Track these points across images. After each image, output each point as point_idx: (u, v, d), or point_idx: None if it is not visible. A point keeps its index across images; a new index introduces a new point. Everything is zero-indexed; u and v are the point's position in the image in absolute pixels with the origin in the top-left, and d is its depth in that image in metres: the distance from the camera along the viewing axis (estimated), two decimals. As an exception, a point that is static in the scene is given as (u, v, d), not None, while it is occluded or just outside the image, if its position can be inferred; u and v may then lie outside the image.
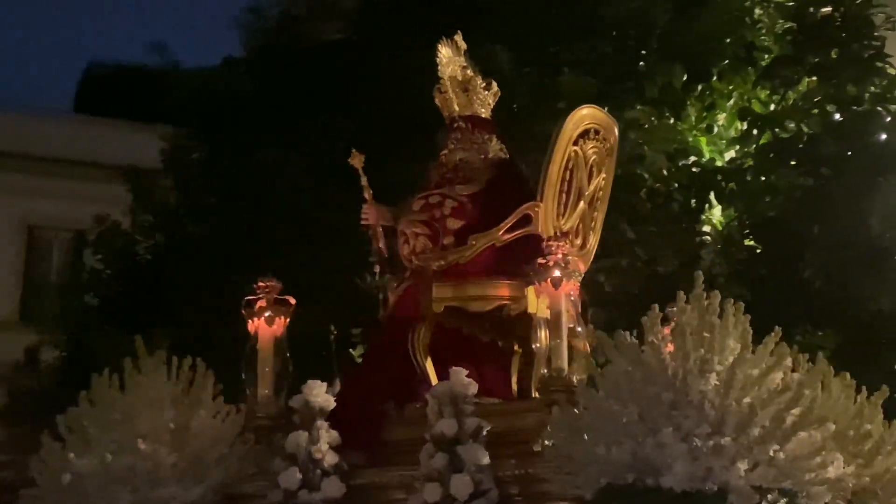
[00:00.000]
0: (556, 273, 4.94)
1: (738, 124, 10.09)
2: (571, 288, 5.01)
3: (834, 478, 4.19)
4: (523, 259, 5.24)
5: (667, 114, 10.00)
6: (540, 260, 5.06)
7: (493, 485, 4.66)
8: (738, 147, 10.04)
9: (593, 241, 6.01)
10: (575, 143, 5.79)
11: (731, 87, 10.07)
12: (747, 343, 4.26)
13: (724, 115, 10.16)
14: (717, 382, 4.07)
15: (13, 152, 18.71)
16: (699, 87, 10.02)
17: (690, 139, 10.09)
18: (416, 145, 7.54)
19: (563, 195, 5.73)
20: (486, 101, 6.34)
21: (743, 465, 3.98)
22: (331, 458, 4.95)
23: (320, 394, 5.03)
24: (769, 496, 4.00)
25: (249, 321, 5.43)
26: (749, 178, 9.66)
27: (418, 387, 5.30)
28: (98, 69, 22.20)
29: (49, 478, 5.18)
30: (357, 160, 6.25)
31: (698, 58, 9.92)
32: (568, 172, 5.75)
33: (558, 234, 5.55)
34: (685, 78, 9.95)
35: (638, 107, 9.85)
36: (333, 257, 9.43)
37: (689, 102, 10.03)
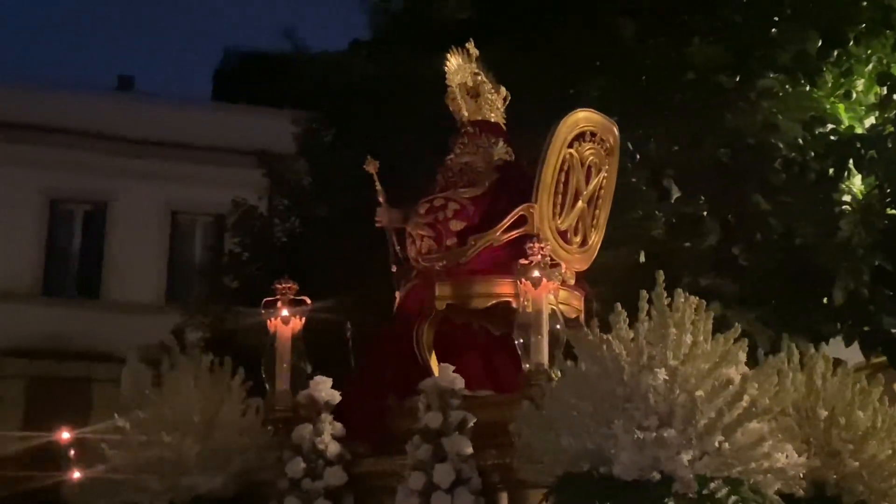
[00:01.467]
0: (535, 273, 5.14)
1: (878, 89, 9.75)
2: (552, 287, 5.20)
3: (782, 467, 4.32)
4: (521, 258, 5.43)
5: (801, 81, 9.73)
6: (521, 260, 5.27)
7: (475, 473, 4.94)
8: (877, 113, 9.71)
9: (596, 239, 6.19)
10: (570, 146, 5.97)
11: (868, 52, 9.74)
12: (698, 339, 4.42)
13: (863, 80, 9.83)
14: (666, 377, 4.26)
15: (156, 140, 19.36)
16: (835, 53, 9.71)
17: (827, 106, 9.81)
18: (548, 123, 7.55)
19: (560, 196, 5.94)
20: (495, 105, 6.55)
21: (688, 456, 4.16)
22: (334, 449, 5.25)
23: (325, 388, 5.32)
24: (712, 485, 4.16)
25: (268, 320, 5.76)
26: (890, 144, 9.34)
27: (421, 381, 5.48)
28: (233, 57, 22.76)
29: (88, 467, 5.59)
30: (371, 166, 6.56)
31: (833, 22, 9.61)
32: (563, 174, 5.95)
33: (555, 233, 5.80)
34: (820, 43, 9.66)
35: (771, 75, 9.62)
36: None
37: (824, 69, 9.74)
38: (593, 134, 6.10)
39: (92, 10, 46.63)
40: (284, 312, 5.72)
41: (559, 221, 5.97)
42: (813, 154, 9.60)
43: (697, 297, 5.21)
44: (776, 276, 9.29)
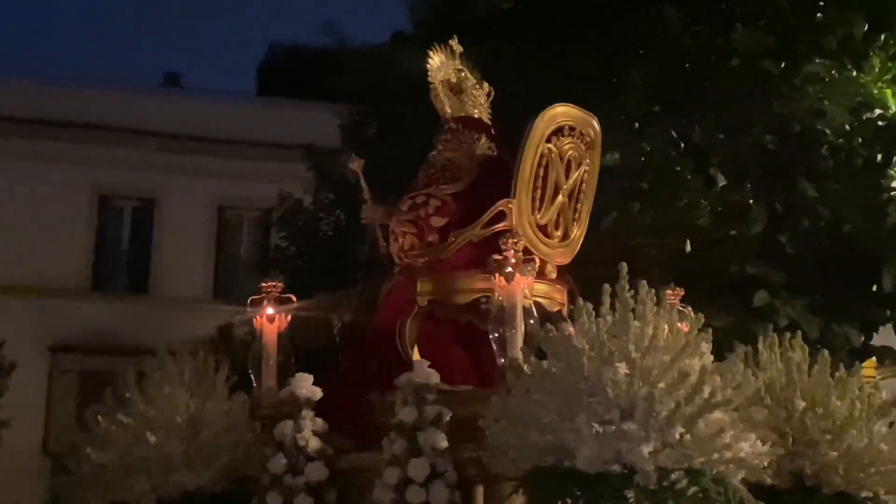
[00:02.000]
0: (508, 269, 5.17)
1: (926, 74, 9.63)
2: (526, 282, 5.20)
3: (744, 456, 4.33)
4: (497, 253, 5.44)
5: (848, 66, 9.62)
6: (495, 256, 5.28)
7: (450, 467, 4.97)
8: (926, 98, 9.59)
9: (578, 232, 6.18)
10: (548, 141, 5.95)
11: (916, 35, 9.62)
12: (658, 332, 4.41)
13: (911, 64, 9.71)
14: (626, 371, 4.28)
15: (202, 136, 19.53)
16: (882, 37, 9.59)
17: (875, 91, 9.69)
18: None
19: (539, 191, 5.94)
20: (478, 101, 6.57)
21: (648, 448, 4.17)
22: (315, 445, 5.28)
23: (306, 385, 5.34)
24: (673, 476, 4.19)
25: (254, 318, 5.80)
26: (939, 129, 9.23)
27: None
28: (277, 52, 22.88)
29: (79, 465, 5.69)
30: (357, 164, 6.69)
31: (880, 6, 9.50)
32: (542, 169, 5.94)
33: (534, 228, 5.82)
34: (866, 28, 9.54)
35: (817, 60, 9.52)
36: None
37: (871, 53, 9.62)
38: (572, 128, 6.06)
39: (138, 8, 47.13)
40: (269, 311, 5.76)
41: (539, 216, 5.97)
42: (860, 140, 9.51)
43: (673, 288, 5.62)
44: (824, 264, 9.22)
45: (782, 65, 9.57)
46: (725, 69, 9.50)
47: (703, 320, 4.58)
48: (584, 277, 9.43)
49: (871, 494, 4.94)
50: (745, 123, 9.49)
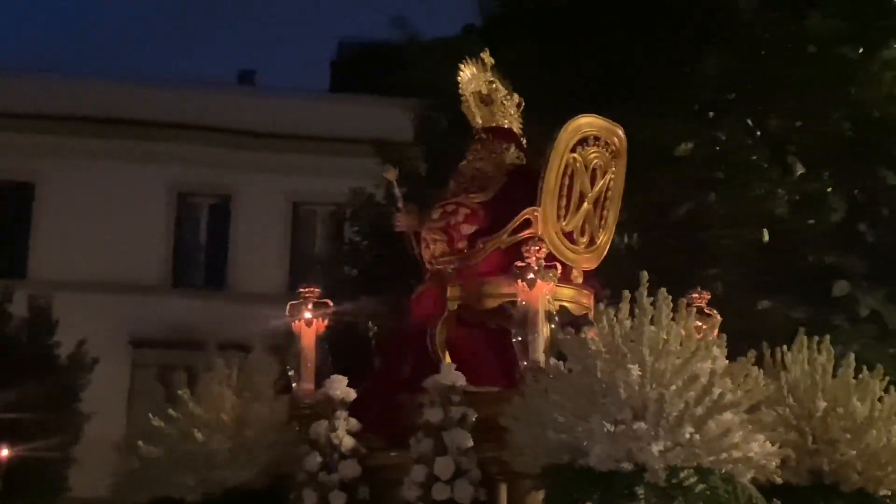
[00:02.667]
0: (530, 275, 5.41)
1: None
2: (547, 288, 5.43)
3: (753, 456, 4.51)
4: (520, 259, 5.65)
5: (927, 51, 9.41)
6: (518, 263, 5.52)
7: (474, 466, 5.19)
8: None
9: (604, 238, 6.36)
10: (573, 151, 6.15)
11: None
12: (671, 336, 4.60)
13: None
14: (639, 373, 4.48)
15: (276, 133, 19.74)
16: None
17: (955, 76, 9.46)
18: (665, 104, 7.49)
19: (564, 199, 6.14)
20: (508, 111, 6.74)
21: (658, 447, 4.35)
22: (348, 443, 5.51)
23: (340, 387, 5.60)
24: (681, 474, 4.37)
25: (294, 323, 6.07)
26: None
27: None
28: (349, 48, 23.01)
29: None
30: (392, 174, 6.98)
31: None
32: (567, 178, 6.14)
33: (560, 235, 6.06)
34: (946, 11, 9.32)
35: (894, 45, 9.31)
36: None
37: (952, 37, 9.39)
38: (597, 138, 6.22)
39: (212, 7, 47.74)
40: (307, 315, 6.00)
41: (564, 223, 6.15)
42: (943, 124, 9.29)
43: (707, 293, 5.82)
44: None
45: (860, 51, 9.38)
46: (801, 56, 9.35)
47: (717, 324, 4.87)
48: (653, 268, 9.38)
49: (890, 493, 5.05)
50: (822, 111, 9.32)
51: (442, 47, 12.05)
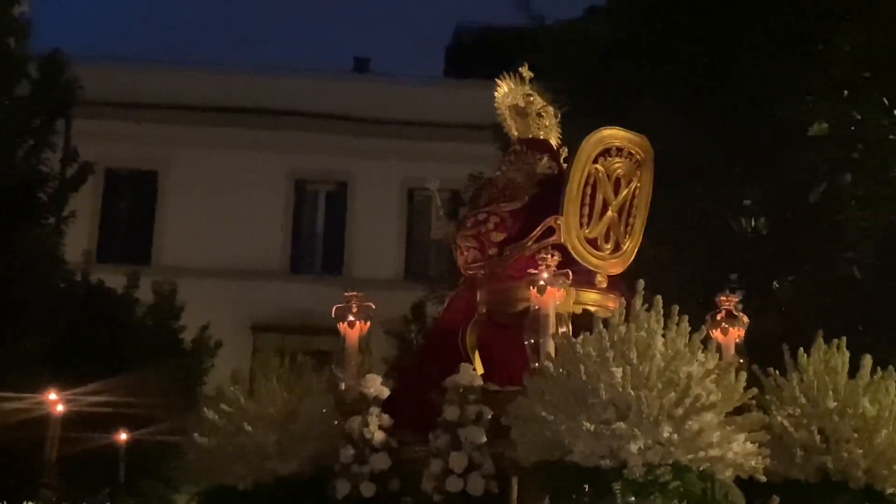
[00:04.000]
0: (541, 282, 5.74)
1: None
2: (558, 294, 5.75)
3: (732, 456, 4.80)
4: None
5: None
6: (531, 270, 5.86)
7: (487, 460, 5.54)
8: None
9: (630, 244, 6.59)
10: (595, 161, 6.41)
11: None
12: (656, 341, 4.91)
13: None
14: (622, 375, 4.81)
15: (392, 120, 19.82)
16: None
17: None
18: (798, 82, 7.23)
19: (587, 207, 6.41)
20: (544, 123, 7.07)
21: (638, 445, 4.67)
22: (379, 438, 5.89)
23: (374, 385, 6.00)
24: (658, 471, 4.68)
25: (339, 324, 6.46)
26: None
27: None
28: (464, 33, 22.96)
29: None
30: (432, 183, 7.28)
31: None
32: (590, 188, 6.41)
33: (583, 242, 6.37)
34: None
35: None
36: (707, 203, 9.25)
37: None
38: (619, 149, 6.47)
39: (326, -4, 48.22)
40: (350, 318, 6.42)
41: (587, 231, 6.42)
42: None
43: (727, 296, 6.09)
44: None
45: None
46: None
47: (704, 332, 5.07)
48: (786, 252, 9.15)
49: None
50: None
51: (566, 30, 11.91)
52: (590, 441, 4.75)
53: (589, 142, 6.41)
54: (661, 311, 5.02)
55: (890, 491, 5.24)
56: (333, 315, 6.45)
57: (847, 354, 5.49)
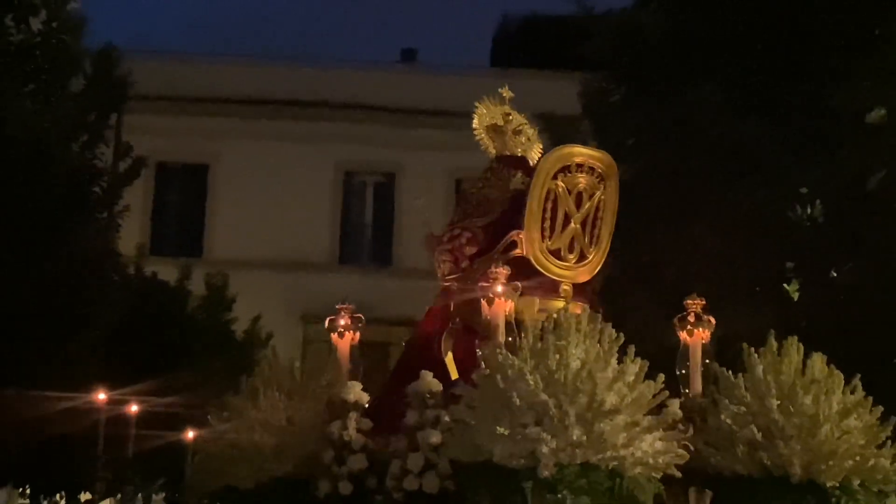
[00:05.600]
0: (490, 294, 6.06)
1: None
2: (508, 306, 6.04)
3: (640, 455, 5.20)
4: (515, 277, 6.28)
5: None
6: (482, 283, 6.16)
7: (443, 461, 5.80)
8: None
9: (595, 254, 6.93)
10: (555, 178, 6.76)
11: None
12: (570, 350, 5.32)
13: None
14: (537, 382, 5.23)
15: (439, 110, 19.82)
16: None
17: None
18: (854, 68, 7.12)
19: (548, 221, 6.76)
20: (520, 140, 7.40)
21: (549, 447, 5.07)
22: (358, 440, 6.26)
23: (353, 392, 6.37)
24: (566, 470, 5.10)
25: (331, 335, 6.78)
26: None
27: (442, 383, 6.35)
28: (511, 22, 22.90)
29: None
30: (420, 202, 7.74)
31: None
32: (550, 203, 6.77)
33: (545, 253, 6.73)
34: None
35: None
36: (760, 189, 9.16)
37: None
38: (580, 165, 6.81)
39: (371, -13, 48.26)
40: (340, 329, 6.74)
41: (549, 243, 6.77)
42: None
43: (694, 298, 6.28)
44: None
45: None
46: None
47: (621, 340, 5.39)
48: (843, 240, 9.03)
49: (837, 484, 5.53)
50: None
51: (617, 20, 11.83)
52: (508, 444, 5.16)
53: (548, 160, 6.81)
54: (586, 320, 5.45)
55: (830, 484, 5.51)
56: (326, 326, 6.86)
57: (800, 356, 5.75)
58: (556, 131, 13.52)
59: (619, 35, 11.03)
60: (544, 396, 5.20)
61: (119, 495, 13.47)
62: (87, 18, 11.92)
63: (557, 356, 5.31)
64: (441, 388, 6.09)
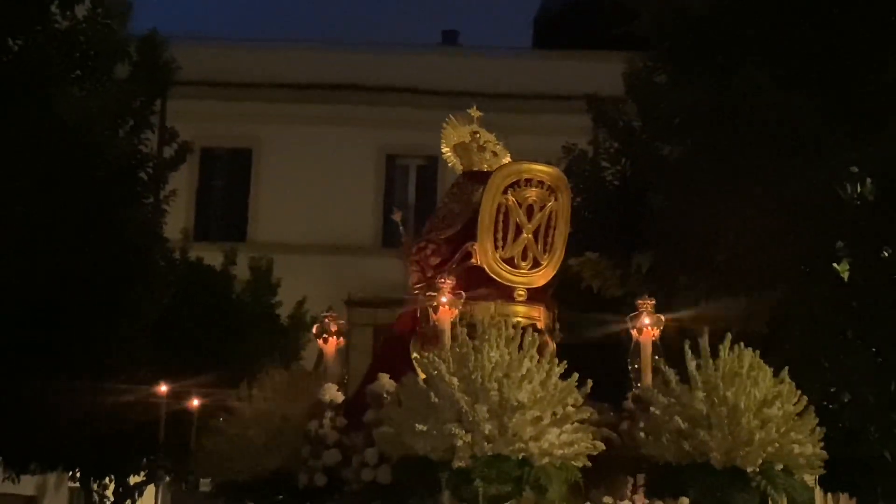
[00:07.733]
0: (435, 303, 6.67)
1: None
2: (451, 314, 6.63)
3: (547, 445, 5.80)
4: (472, 284, 7.08)
5: None
6: (429, 293, 6.81)
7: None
8: None
9: (549, 259, 7.51)
10: (505, 192, 7.35)
11: None
12: (485, 353, 5.95)
13: None
14: (457, 383, 5.86)
15: (481, 92, 19.72)
16: None
17: None
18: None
19: (500, 232, 7.36)
20: (485, 157, 8.01)
21: (466, 439, 5.73)
22: (333, 437, 6.84)
23: (329, 392, 6.95)
24: (480, 461, 5.74)
25: (318, 340, 7.37)
26: None
27: None
28: (553, 3, 22.77)
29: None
30: (397, 216, 8.50)
31: None
32: (501, 215, 7.35)
33: (499, 262, 7.33)
34: None
35: None
36: (809, 168, 9.04)
37: None
38: (528, 180, 7.38)
39: (412, -30, 48.12)
40: (325, 335, 7.28)
41: (502, 252, 7.36)
42: None
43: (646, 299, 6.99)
44: None
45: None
46: None
47: (536, 343, 6.04)
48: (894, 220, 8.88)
49: (758, 469, 5.98)
50: None
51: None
52: (429, 439, 5.77)
53: (497, 176, 7.39)
54: (510, 327, 6.08)
55: (750, 469, 5.97)
56: (313, 332, 7.44)
57: (728, 349, 6.21)
58: (600, 113, 13.45)
59: (665, 13, 10.91)
60: (459, 395, 5.80)
61: (168, 478, 13.60)
62: (131, 4, 12.00)
63: (474, 359, 5.90)
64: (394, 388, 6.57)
